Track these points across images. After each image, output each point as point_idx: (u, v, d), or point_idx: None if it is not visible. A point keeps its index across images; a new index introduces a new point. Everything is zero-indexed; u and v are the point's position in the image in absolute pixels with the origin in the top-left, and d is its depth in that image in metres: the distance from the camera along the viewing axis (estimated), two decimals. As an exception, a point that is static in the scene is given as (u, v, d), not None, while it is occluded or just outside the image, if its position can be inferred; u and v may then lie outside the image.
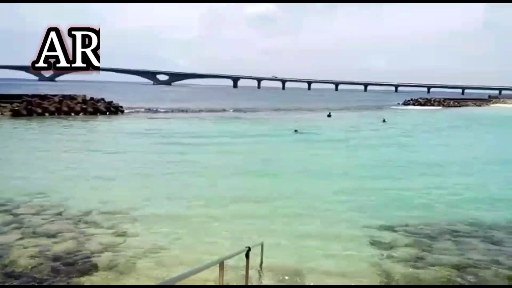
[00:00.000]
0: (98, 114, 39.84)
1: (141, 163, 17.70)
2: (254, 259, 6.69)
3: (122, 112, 43.26)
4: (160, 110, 50.79)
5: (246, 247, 5.56)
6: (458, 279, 7.46)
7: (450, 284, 7.34)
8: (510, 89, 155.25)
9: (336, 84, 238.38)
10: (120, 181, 14.51)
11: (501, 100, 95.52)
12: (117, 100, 45.81)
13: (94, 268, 7.58)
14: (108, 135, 26.42)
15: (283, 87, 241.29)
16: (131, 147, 21.69)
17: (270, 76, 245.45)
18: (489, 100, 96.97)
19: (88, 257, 8.00)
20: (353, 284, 7.28)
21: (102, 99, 43.28)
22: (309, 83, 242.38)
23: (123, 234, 9.34)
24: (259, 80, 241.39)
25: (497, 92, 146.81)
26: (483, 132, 36.08)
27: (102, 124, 34.04)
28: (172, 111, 50.17)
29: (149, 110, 49.16)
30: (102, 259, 7.94)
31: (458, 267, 7.93)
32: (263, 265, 7.38)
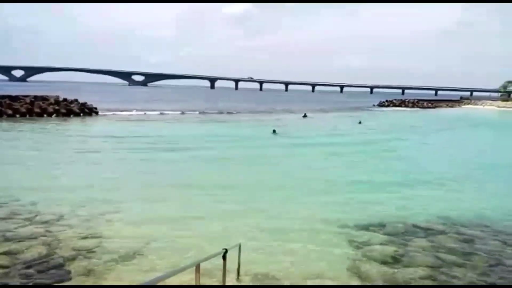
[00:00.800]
0: (72, 115, 38.91)
1: (115, 166, 17.38)
2: (232, 261, 6.65)
3: (97, 113, 42.43)
4: (135, 111, 49.90)
5: (223, 249, 5.49)
6: (432, 278, 7.61)
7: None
8: (481, 91, 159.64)
9: (313, 86, 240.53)
10: (94, 185, 14.18)
11: (472, 101, 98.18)
12: (91, 101, 44.89)
13: (67, 274, 7.38)
14: (81, 138, 25.77)
15: (261, 88, 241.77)
16: (104, 150, 21.27)
17: (246, 77, 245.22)
18: (461, 101, 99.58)
19: (61, 264, 7.79)
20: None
21: (76, 100, 42.32)
22: (286, 84, 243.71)
23: (97, 238, 9.14)
24: (236, 81, 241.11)
25: (468, 93, 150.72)
26: (456, 132, 37.05)
27: (75, 126, 33.24)
28: (148, 112, 49.35)
29: (124, 112, 48.26)
30: (76, 264, 7.75)
31: (433, 266, 8.11)
32: (241, 267, 7.35)
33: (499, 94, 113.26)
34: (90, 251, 8.44)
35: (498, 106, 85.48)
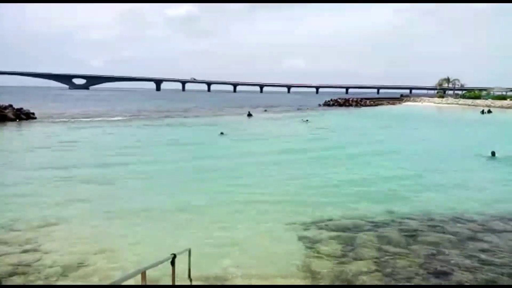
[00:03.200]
0: (6, 121, 36.59)
1: (53, 174, 16.36)
2: (181, 267, 6.46)
3: (34, 119, 40.20)
4: (76, 116, 47.46)
5: (171, 254, 5.29)
6: (379, 271, 7.84)
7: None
8: (419, 88, 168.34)
9: (261, 86, 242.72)
10: (30, 195, 13.35)
11: (412, 98, 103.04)
12: (28, 106, 42.45)
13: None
14: (17, 145, 24.27)
15: (209, 89, 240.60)
16: (42, 157, 20.11)
17: (189, 78, 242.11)
18: (401, 98, 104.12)
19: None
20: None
21: (10, 105, 39.89)
22: (235, 85, 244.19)
23: (37, 252, 8.59)
24: (183, 82, 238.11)
25: (408, 91, 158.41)
26: (397, 127, 38.68)
27: (8, 133, 31.25)
28: (89, 116, 47.11)
29: (62, 116, 45.83)
30: (15, 281, 7.24)
31: (378, 259, 8.36)
32: (191, 272, 7.16)
33: (436, 91, 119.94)
34: (28, 265, 7.92)
35: (435, 103, 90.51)
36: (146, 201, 12.77)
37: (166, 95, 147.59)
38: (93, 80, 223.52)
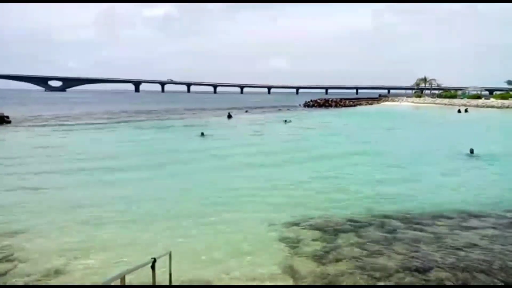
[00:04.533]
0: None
1: (28, 180, 15.91)
2: (162, 271, 6.35)
3: (9, 122, 39.17)
4: (52, 119, 46.09)
5: (151, 258, 5.18)
6: (360, 268, 7.89)
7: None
8: (397, 88, 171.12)
9: (241, 87, 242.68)
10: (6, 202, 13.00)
11: (390, 98, 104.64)
12: (1, 110, 41.29)
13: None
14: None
15: (188, 91, 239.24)
16: (15, 164, 19.55)
17: (166, 79, 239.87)
18: (379, 98, 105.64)
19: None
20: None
21: (-18, 109, 38.82)
22: (215, 86, 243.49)
23: (11, 261, 8.33)
24: (162, 84, 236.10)
25: (386, 91, 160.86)
26: (376, 127, 39.13)
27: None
28: (66, 120, 45.88)
29: (40, 120, 44.67)
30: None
31: (360, 258, 8.42)
32: (172, 276, 7.06)
33: (413, 91, 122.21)
34: (3, 274, 7.69)
35: (413, 102, 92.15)
36: (124, 205, 12.54)
37: (145, 97, 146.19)
38: (70, 82, 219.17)
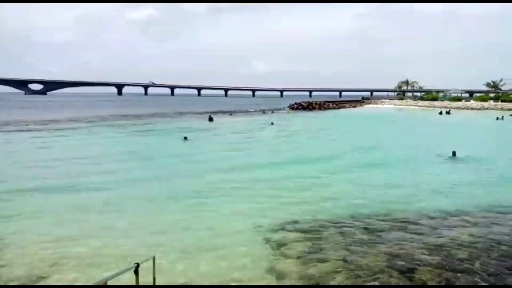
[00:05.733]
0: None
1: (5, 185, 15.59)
2: (146, 276, 6.25)
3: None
4: (32, 123, 44.62)
5: (135, 263, 5.09)
6: (344, 268, 7.92)
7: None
8: (380, 91, 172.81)
9: (226, 90, 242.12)
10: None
11: (373, 101, 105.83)
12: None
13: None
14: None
15: (172, 93, 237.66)
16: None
17: (147, 82, 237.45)
18: (362, 101, 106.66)
19: None
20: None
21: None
22: (199, 89, 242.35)
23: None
24: (145, 87, 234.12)
25: (369, 93, 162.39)
26: (359, 130, 39.54)
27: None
28: (46, 124, 44.75)
29: (20, 124, 43.39)
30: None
31: (345, 258, 8.45)
32: (156, 281, 6.96)
33: (396, 93, 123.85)
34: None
35: (395, 105, 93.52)
36: (104, 210, 12.37)
37: (128, 100, 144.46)
38: (51, 85, 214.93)
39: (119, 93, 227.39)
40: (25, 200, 13.32)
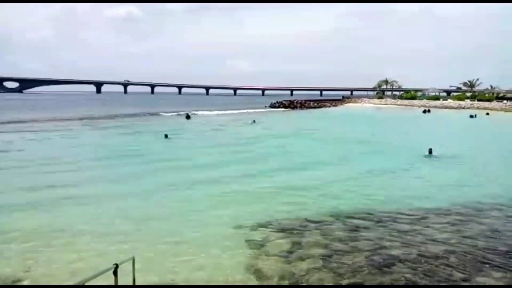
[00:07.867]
0: None
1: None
2: (125, 277, 6.20)
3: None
4: (6, 123, 43.17)
5: (114, 264, 5.03)
6: (324, 266, 8.01)
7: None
8: (360, 90, 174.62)
9: (207, 89, 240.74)
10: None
11: (353, 100, 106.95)
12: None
13: None
14: None
15: (152, 92, 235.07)
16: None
17: (123, 80, 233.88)
18: (343, 100, 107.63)
19: None
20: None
21: None
22: (180, 87, 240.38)
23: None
24: (125, 85, 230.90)
25: (349, 93, 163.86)
26: (338, 128, 39.88)
27: None
28: (22, 122, 43.44)
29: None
30: None
31: (325, 256, 8.55)
32: (136, 282, 6.90)
33: (375, 92, 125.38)
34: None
35: (375, 103, 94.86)
36: (83, 210, 12.20)
37: (107, 98, 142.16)
38: (27, 83, 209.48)
39: (98, 91, 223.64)
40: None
